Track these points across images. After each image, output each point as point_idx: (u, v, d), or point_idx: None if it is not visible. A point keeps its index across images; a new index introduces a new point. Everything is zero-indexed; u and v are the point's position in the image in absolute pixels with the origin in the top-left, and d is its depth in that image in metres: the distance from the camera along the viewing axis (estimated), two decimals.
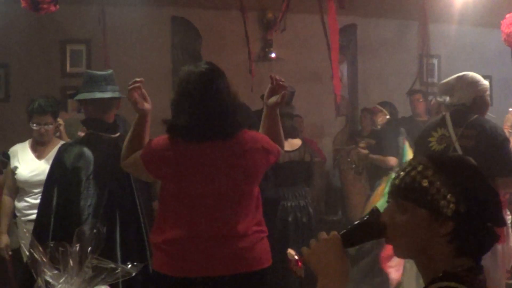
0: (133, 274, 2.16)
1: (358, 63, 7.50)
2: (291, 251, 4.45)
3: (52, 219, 3.26)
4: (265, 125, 2.91)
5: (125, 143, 2.75)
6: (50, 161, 3.64)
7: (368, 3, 6.73)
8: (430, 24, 6.88)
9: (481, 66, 5.94)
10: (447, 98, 3.85)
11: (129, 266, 2.17)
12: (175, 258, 2.61)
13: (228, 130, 2.62)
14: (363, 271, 5.30)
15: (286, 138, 4.76)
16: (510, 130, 5.28)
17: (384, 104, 5.81)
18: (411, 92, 6.48)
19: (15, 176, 4.20)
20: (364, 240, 1.64)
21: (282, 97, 2.85)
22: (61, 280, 2.02)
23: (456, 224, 1.40)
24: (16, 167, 4.19)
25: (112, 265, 2.10)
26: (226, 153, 2.61)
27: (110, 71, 3.48)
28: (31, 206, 4.09)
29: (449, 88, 3.84)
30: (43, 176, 3.57)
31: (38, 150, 4.23)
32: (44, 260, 2.03)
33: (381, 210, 1.56)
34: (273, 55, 6.89)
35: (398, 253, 1.53)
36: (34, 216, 3.63)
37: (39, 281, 2.02)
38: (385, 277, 5.05)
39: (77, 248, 2.05)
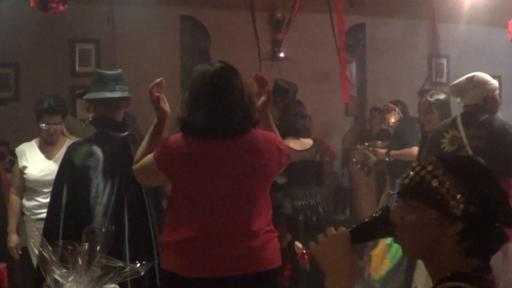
0: (142, 273, 2.16)
1: (367, 62, 7.48)
2: (298, 244, 4.45)
3: (62, 218, 3.26)
4: (260, 127, 2.87)
5: (141, 147, 2.74)
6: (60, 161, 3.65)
7: (377, 3, 6.73)
8: (439, 24, 6.88)
9: (490, 66, 5.90)
10: (459, 99, 3.89)
11: (138, 265, 2.16)
12: (187, 257, 2.59)
13: (242, 127, 2.61)
14: None
15: (298, 137, 4.78)
16: None
17: (396, 102, 5.78)
18: (422, 92, 6.45)
19: (24, 176, 4.20)
20: (373, 237, 1.64)
21: (269, 94, 2.87)
22: (70, 279, 2.02)
23: (465, 225, 1.40)
24: (25, 167, 4.19)
25: (121, 264, 2.10)
26: (239, 151, 2.60)
27: (119, 71, 3.48)
28: (41, 205, 4.10)
29: (460, 89, 3.87)
30: (53, 176, 3.57)
31: (47, 149, 4.24)
32: (53, 258, 2.04)
33: None
34: (282, 54, 6.86)
35: (407, 252, 1.53)
36: (44, 215, 3.63)
37: (48, 280, 2.03)
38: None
39: (86, 247, 2.06)
